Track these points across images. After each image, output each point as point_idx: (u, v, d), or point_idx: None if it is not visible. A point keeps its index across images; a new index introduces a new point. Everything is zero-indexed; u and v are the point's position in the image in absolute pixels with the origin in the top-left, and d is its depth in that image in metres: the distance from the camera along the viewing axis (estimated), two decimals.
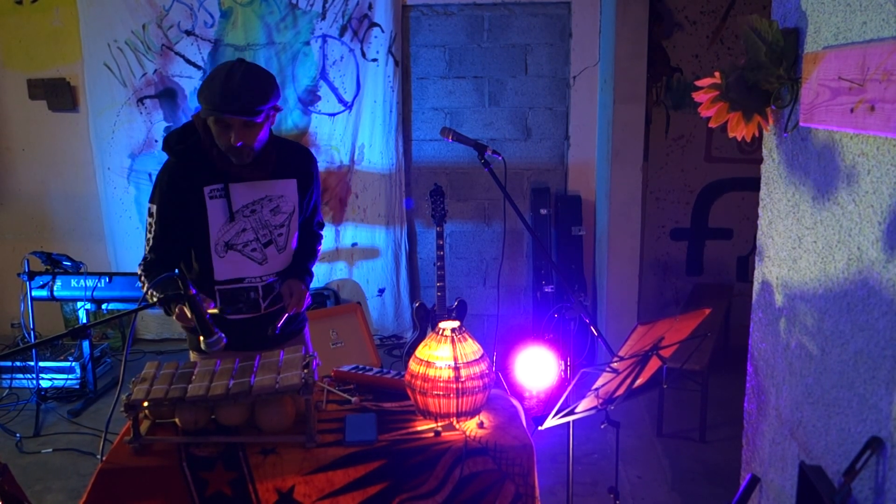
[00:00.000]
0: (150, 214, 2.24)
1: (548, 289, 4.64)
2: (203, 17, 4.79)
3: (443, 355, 1.96)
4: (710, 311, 2.11)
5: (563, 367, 2.85)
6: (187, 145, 2.21)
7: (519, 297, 5.11)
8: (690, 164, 4.94)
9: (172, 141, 2.24)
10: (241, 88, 2.05)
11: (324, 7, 4.76)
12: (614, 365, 1.92)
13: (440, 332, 2.00)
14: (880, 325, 1.29)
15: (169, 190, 2.22)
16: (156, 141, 4.95)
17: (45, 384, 4.26)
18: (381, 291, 5.11)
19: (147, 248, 2.26)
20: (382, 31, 4.75)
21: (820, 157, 1.54)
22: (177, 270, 2.19)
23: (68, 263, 4.16)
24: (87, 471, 3.44)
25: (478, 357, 1.99)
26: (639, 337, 1.91)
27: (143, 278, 2.23)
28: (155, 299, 2.05)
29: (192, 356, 2.41)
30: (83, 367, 4.29)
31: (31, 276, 4.07)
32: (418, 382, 1.96)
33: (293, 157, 2.36)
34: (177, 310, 2.04)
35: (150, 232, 2.25)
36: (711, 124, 1.76)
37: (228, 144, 2.11)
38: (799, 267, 1.67)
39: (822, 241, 1.54)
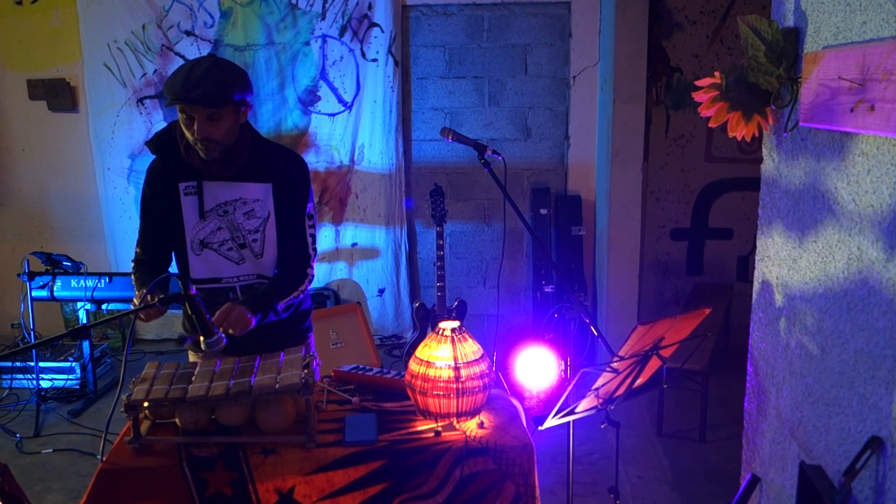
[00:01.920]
0: (139, 211, 2.31)
1: (548, 289, 4.64)
2: (203, 18, 4.79)
3: (443, 355, 1.96)
4: (710, 311, 2.11)
5: (563, 367, 2.85)
6: (165, 141, 2.23)
7: (519, 297, 5.11)
8: (690, 164, 4.94)
9: (154, 138, 2.26)
10: (203, 79, 2.02)
11: (324, 7, 4.76)
12: (614, 365, 1.92)
13: (440, 332, 2.00)
14: (880, 325, 1.29)
15: (149, 185, 2.26)
16: None
17: (45, 384, 4.26)
18: (381, 291, 5.11)
19: (137, 246, 2.31)
20: (382, 31, 4.75)
21: (820, 157, 1.54)
22: (177, 269, 2.19)
23: (68, 264, 4.16)
24: (87, 471, 3.44)
25: (478, 357, 1.99)
26: (639, 337, 1.91)
27: (134, 278, 2.26)
28: (157, 299, 2.04)
29: (192, 356, 2.41)
30: (83, 368, 4.29)
31: (31, 276, 4.07)
32: (418, 382, 1.96)
33: (272, 161, 2.26)
34: (143, 315, 2.03)
35: (139, 229, 2.31)
36: (711, 124, 1.76)
37: (194, 137, 2.09)
38: (799, 267, 1.67)
39: (822, 241, 1.54)
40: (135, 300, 2.13)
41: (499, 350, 3.24)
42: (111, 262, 5.09)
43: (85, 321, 4.24)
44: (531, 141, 4.94)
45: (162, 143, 2.23)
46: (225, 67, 2.10)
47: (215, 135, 2.08)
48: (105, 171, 4.99)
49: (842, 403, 1.44)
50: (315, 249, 2.34)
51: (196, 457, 1.86)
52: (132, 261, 2.31)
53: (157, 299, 2.01)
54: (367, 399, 2.13)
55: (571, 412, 2.01)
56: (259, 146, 2.25)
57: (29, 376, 4.20)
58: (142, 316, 2.03)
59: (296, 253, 2.30)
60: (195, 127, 2.06)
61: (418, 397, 1.98)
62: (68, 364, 4.30)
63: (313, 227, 2.34)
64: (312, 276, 2.32)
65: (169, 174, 2.23)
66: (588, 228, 4.89)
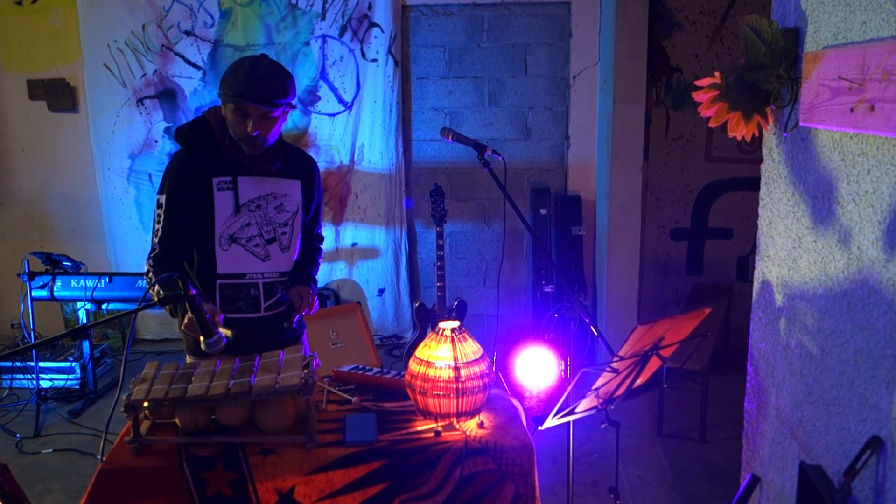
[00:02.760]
0: (159, 205, 2.26)
1: (548, 289, 4.64)
2: (203, 18, 4.79)
3: (443, 355, 1.96)
4: (710, 311, 2.11)
5: (563, 367, 2.86)
6: (198, 136, 2.25)
7: (519, 297, 5.11)
8: (690, 163, 4.94)
9: (184, 131, 2.27)
10: (265, 79, 2.12)
11: (324, 7, 4.76)
12: (614, 365, 1.92)
13: (440, 332, 2.00)
14: (880, 325, 1.28)
15: (178, 179, 2.24)
16: (155, 141, 4.95)
17: (45, 384, 4.26)
18: (381, 291, 5.11)
19: (155, 240, 2.27)
20: (382, 32, 4.75)
21: (820, 156, 1.54)
22: (196, 265, 2.21)
23: (68, 264, 4.16)
24: (87, 471, 3.44)
25: (478, 357, 1.99)
26: (639, 337, 1.91)
27: (149, 274, 2.23)
28: (157, 299, 2.05)
29: (189, 358, 2.41)
30: (83, 368, 4.29)
31: (31, 276, 4.07)
32: (418, 382, 1.96)
33: (299, 160, 2.43)
34: (186, 319, 2.08)
35: (158, 223, 2.26)
36: (711, 124, 1.76)
37: (244, 133, 2.15)
38: (799, 267, 1.67)
39: (822, 241, 1.54)
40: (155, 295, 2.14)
41: (499, 350, 3.24)
42: (111, 262, 5.09)
43: (85, 321, 4.24)
44: (531, 141, 4.94)
45: (196, 138, 2.25)
46: (281, 68, 2.20)
47: (265, 133, 2.18)
48: (105, 172, 4.99)
49: (842, 403, 1.44)
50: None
51: (196, 457, 1.86)
52: (148, 257, 2.25)
53: (156, 299, 2.02)
54: (367, 399, 2.13)
55: (571, 412, 2.01)
56: (287, 147, 2.40)
57: (29, 376, 4.20)
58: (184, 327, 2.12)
59: (315, 234, 2.56)
60: (249, 124, 2.13)
61: (418, 397, 1.98)
62: (68, 364, 4.29)
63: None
64: (322, 250, 2.64)
65: (201, 169, 2.24)
66: (588, 228, 4.89)
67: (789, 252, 1.73)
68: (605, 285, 4.56)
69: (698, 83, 1.75)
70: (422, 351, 2.00)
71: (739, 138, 1.75)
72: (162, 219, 2.25)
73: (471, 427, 1.97)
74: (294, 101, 2.26)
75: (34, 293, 4.11)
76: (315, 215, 2.52)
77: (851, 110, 1.31)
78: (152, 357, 4.65)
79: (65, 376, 4.30)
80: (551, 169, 4.96)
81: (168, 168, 2.28)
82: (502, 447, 1.90)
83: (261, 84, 2.10)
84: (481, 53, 4.84)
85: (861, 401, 1.35)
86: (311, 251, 2.54)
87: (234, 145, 2.22)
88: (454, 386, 1.92)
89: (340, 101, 4.89)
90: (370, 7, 4.73)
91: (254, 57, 2.17)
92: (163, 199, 2.25)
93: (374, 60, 4.79)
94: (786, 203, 1.75)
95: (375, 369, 2.29)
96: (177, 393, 1.89)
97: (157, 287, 2.09)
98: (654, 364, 2.08)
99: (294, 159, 2.40)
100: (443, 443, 1.91)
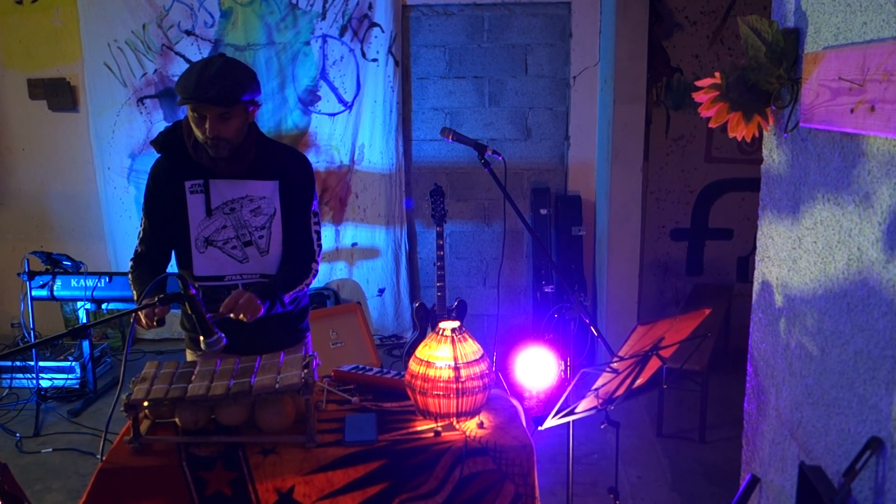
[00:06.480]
0: (142, 208, 2.32)
1: (548, 289, 4.64)
2: (203, 17, 4.79)
3: (443, 355, 1.96)
4: (710, 311, 2.11)
5: (563, 367, 2.86)
6: (170, 139, 2.25)
7: (519, 297, 5.11)
8: (690, 164, 4.94)
9: (159, 137, 2.29)
10: (216, 79, 2.06)
11: (324, 7, 4.76)
12: (614, 365, 1.92)
13: (440, 332, 2.00)
14: (880, 326, 1.29)
15: (154, 183, 2.28)
16: None
17: (45, 384, 4.25)
18: (381, 291, 5.11)
19: (138, 242, 2.32)
20: (382, 31, 4.75)
21: (820, 157, 1.54)
22: (178, 270, 2.20)
23: (68, 263, 4.16)
24: (87, 471, 3.44)
25: (478, 357, 1.99)
26: (639, 337, 1.91)
27: (132, 276, 2.26)
28: (157, 298, 2.05)
29: (189, 356, 2.41)
30: (83, 367, 4.29)
31: (31, 275, 4.07)
32: (418, 382, 1.96)
33: (277, 159, 2.30)
34: (139, 315, 2.01)
35: (140, 226, 2.33)
36: (711, 124, 1.76)
37: (204, 136, 2.13)
38: (799, 267, 1.67)
39: (822, 241, 1.54)
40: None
41: (499, 350, 3.24)
42: (111, 261, 5.09)
43: (85, 321, 4.24)
44: (531, 141, 4.94)
45: (167, 142, 2.26)
46: (236, 67, 2.14)
47: (226, 133, 2.12)
48: (105, 171, 4.99)
49: (841, 404, 1.44)
50: (320, 245, 2.39)
51: (196, 456, 1.86)
52: (131, 258, 2.31)
53: (156, 299, 2.01)
54: (367, 399, 2.13)
55: (571, 412, 2.01)
56: (264, 145, 2.30)
57: (29, 376, 4.20)
58: (143, 324, 2.03)
59: (301, 248, 2.34)
60: (206, 126, 2.10)
61: (418, 397, 1.98)
62: (68, 364, 4.29)
63: (318, 224, 2.39)
64: (317, 271, 2.36)
65: (174, 173, 2.25)
66: (588, 228, 4.89)
67: (789, 253, 1.73)
68: (605, 285, 4.56)
69: (698, 83, 1.75)
70: (422, 351, 2.00)
71: (740, 139, 1.75)
72: (143, 221, 2.31)
73: (471, 427, 1.97)
74: (258, 98, 2.19)
75: (34, 293, 4.11)
76: (300, 217, 2.30)
77: (852, 111, 1.31)
78: (152, 357, 4.65)
79: (65, 376, 4.30)
80: (551, 169, 4.96)
81: (149, 173, 2.31)
82: (502, 447, 1.90)
83: (211, 84, 2.05)
84: (481, 53, 4.84)
85: (861, 401, 1.35)
86: (294, 266, 2.29)
87: (201, 148, 2.18)
88: (454, 386, 1.92)
89: (340, 100, 4.89)
90: (370, 7, 4.73)
91: (209, 57, 2.15)
92: (143, 202, 2.31)
93: (375, 60, 4.79)
94: (786, 204, 1.75)
95: (375, 369, 2.29)
96: (177, 393, 1.89)
97: (151, 293, 2.08)
98: (653, 364, 2.08)
99: (271, 159, 2.28)
100: (443, 443, 1.91)
